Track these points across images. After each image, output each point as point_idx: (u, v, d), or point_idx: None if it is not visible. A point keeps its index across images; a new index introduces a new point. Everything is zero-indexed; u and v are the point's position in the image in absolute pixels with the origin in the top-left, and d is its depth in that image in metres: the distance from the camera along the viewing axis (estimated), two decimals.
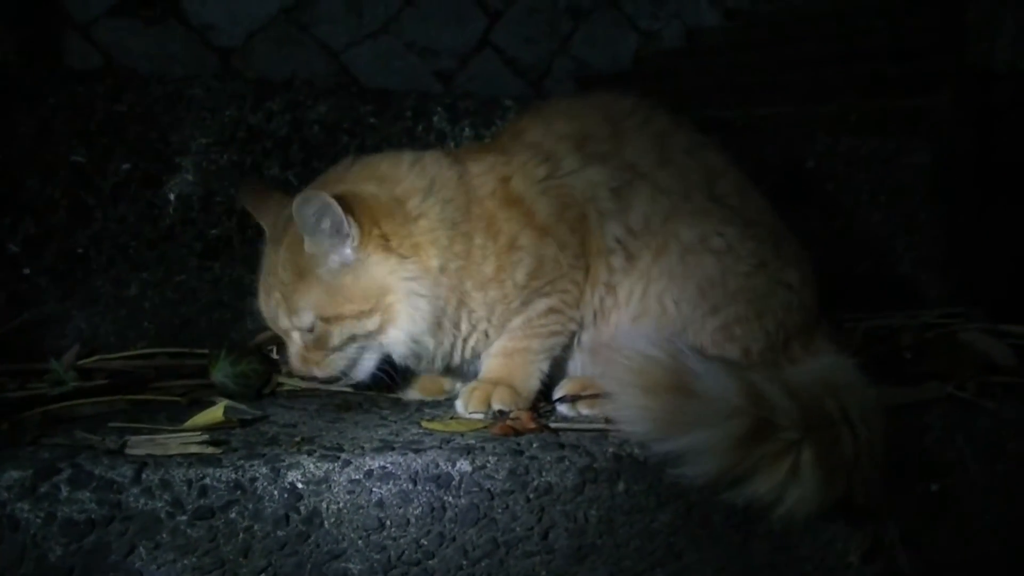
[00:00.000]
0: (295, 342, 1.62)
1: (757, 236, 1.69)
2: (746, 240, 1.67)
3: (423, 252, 1.59)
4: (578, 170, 1.67)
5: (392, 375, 1.65)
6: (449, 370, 1.73)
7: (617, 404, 1.45)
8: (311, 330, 1.59)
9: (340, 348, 1.60)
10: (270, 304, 1.63)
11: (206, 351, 1.81)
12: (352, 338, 1.59)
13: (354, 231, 1.55)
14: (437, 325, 1.62)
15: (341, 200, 1.53)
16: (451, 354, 1.68)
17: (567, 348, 1.71)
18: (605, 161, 1.68)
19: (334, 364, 1.61)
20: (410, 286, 1.59)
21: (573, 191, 1.65)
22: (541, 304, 1.65)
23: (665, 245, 1.65)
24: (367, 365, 1.63)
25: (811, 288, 1.74)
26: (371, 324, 1.59)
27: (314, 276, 1.58)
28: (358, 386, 1.69)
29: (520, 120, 1.83)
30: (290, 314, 1.59)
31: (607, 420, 1.52)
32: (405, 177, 1.64)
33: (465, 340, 1.67)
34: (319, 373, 1.62)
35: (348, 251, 1.56)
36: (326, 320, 1.58)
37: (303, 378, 1.70)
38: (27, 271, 1.98)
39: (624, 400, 1.44)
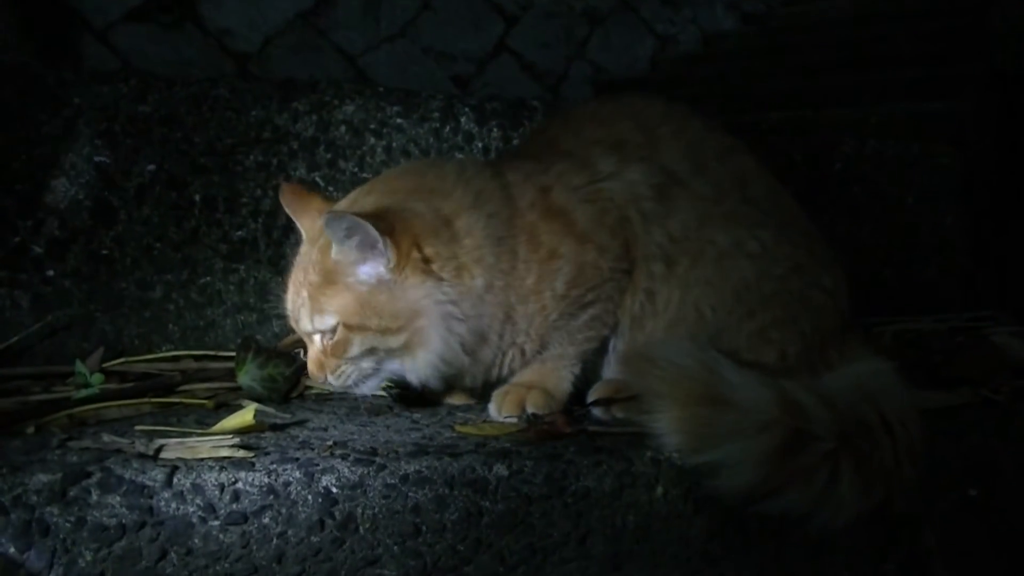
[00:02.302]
0: (315, 345, 1.59)
1: (791, 239, 1.68)
2: (781, 243, 1.65)
3: (466, 273, 1.56)
4: (616, 173, 1.64)
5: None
6: (473, 388, 1.71)
7: (652, 416, 1.42)
8: (332, 334, 1.56)
9: (356, 359, 1.56)
10: (296, 303, 1.60)
11: (232, 354, 1.79)
12: (371, 351, 1.56)
13: (390, 252, 1.52)
14: (477, 344, 1.60)
15: (382, 219, 1.50)
16: (490, 370, 1.65)
17: (600, 352, 1.69)
18: (643, 162, 1.66)
19: (346, 374, 1.58)
20: (447, 310, 1.55)
21: (613, 195, 1.63)
22: (584, 315, 1.63)
23: (701, 251, 1.63)
24: (373, 383, 1.61)
25: (844, 291, 1.73)
26: (395, 342, 1.55)
27: (343, 283, 1.55)
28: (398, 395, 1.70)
29: (549, 128, 1.81)
30: (313, 315, 1.56)
31: (642, 424, 1.50)
32: (452, 191, 1.60)
33: (504, 355, 1.64)
34: (333, 381, 1.59)
35: (382, 269, 1.53)
36: (349, 327, 1.54)
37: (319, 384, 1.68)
38: (51, 273, 1.96)
39: (659, 412, 1.41)
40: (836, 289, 1.70)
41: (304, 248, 1.64)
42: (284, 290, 1.65)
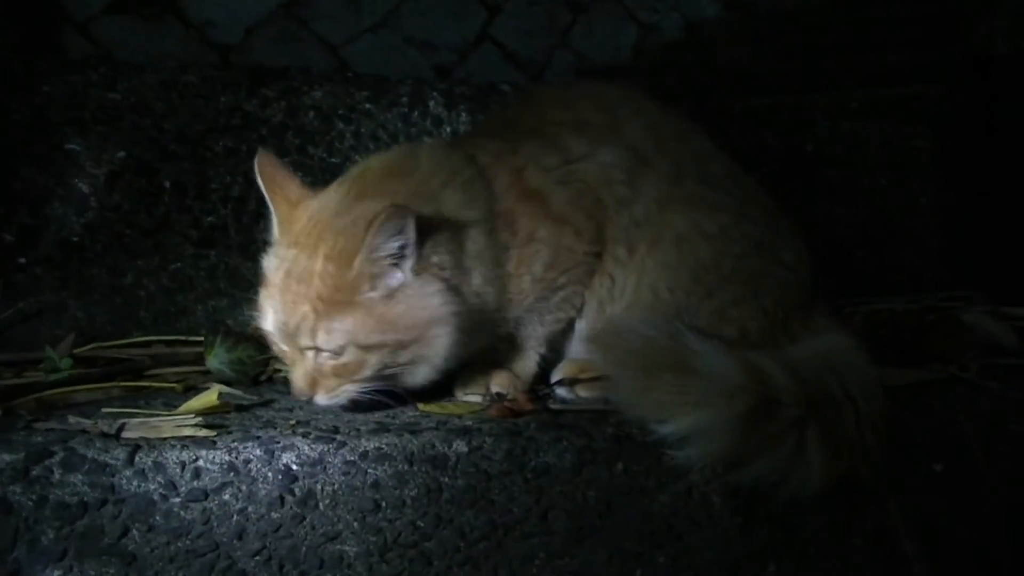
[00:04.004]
0: (307, 361, 1.48)
1: (750, 217, 1.68)
2: (739, 223, 1.66)
3: (470, 275, 1.53)
4: (589, 155, 1.64)
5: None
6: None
7: (617, 387, 1.43)
8: (337, 355, 1.46)
9: (368, 379, 1.48)
10: (293, 316, 1.46)
11: (202, 338, 1.80)
12: (383, 367, 1.47)
13: (414, 256, 1.46)
14: (475, 338, 1.56)
15: (421, 221, 1.45)
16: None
17: (565, 332, 1.69)
18: (614, 145, 1.66)
19: (347, 394, 1.49)
20: (459, 315, 1.50)
21: (587, 176, 1.63)
22: (555, 298, 1.63)
23: (660, 235, 1.64)
24: (363, 396, 1.51)
25: (806, 265, 1.74)
26: (406, 356, 1.48)
27: (362, 299, 1.45)
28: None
29: (508, 109, 1.82)
30: (317, 333, 1.45)
31: (606, 402, 1.51)
32: (444, 190, 1.55)
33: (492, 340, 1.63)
34: (324, 401, 1.49)
35: (401, 275, 1.46)
36: (365, 347, 1.45)
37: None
38: (22, 260, 1.98)
39: (625, 383, 1.42)
40: (798, 263, 1.71)
41: (293, 249, 1.49)
42: (265, 294, 1.52)
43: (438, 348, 1.49)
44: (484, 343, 1.62)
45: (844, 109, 3.17)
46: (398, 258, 1.45)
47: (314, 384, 1.47)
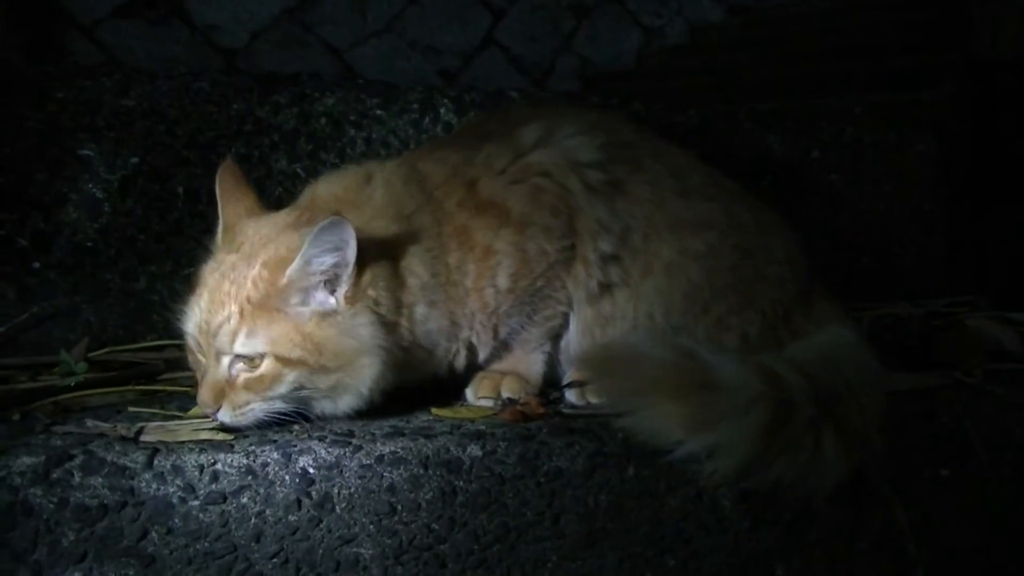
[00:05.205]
0: (220, 369, 1.42)
1: (737, 222, 1.69)
2: (727, 234, 1.67)
3: (410, 310, 1.51)
4: (543, 140, 1.62)
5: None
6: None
7: (643, 415, 1.41)
8: (251, 363, 1.41)
9: (277, 398, 1.42)
10: (218, 315, 1.42)
11: None
12: (298, 388, 1.42)
13: (349, 284, 1.43)
14: (424, 360, 1.56)
15: (366, 248, 1.43)
16: (439, 368, 1.61)
17: (564, 326, 1.69)
18: (581, 132, 1.65)
19: (252, 413, 1.42)
20: (392, 350, 1.46)
21: (544, 167, 1.61)
22: (535, 298, 1.63)
23: (650, 263, 1.64)
24: (265, 421, 1.44)
25: (800, 255, 1.75)
26: (326, 382, 1.43)
27: (288, 309, 1.42)
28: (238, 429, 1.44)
29: (482, 123, 1.82)
30: (237, 336, 1.40)
31: (616, 408, 1.52)
32: (389, 222, 1.52)
33: (455, 354, 1.61)
34: (227, 418, 1.41)
35: (336, 301, 1.44)
36: (285, 361, 1.41)
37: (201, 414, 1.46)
38: (36, 265, 1.99)
39: (650, 411, 1.41)
40: (791, 257, 1.73)
41: (231, 254, 1.48)
42: (194, 296, 1.49)
43: (364, 379, 1.45)
44: (429, 371, 1.60)
45: (848, 115, 3.18)
46: (333, 279, 1.42)
47: (220, 396, 1.41)
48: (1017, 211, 2.82)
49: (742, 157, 2.56)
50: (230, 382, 1.42)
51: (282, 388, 1.41)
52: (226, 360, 1.42)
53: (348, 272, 1.42)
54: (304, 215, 1.52)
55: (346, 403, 1.46)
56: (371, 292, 1.46)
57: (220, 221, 1.55)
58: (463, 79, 4.33)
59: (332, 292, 1.43)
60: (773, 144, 2.66)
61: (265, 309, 1.41)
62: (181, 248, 2.07)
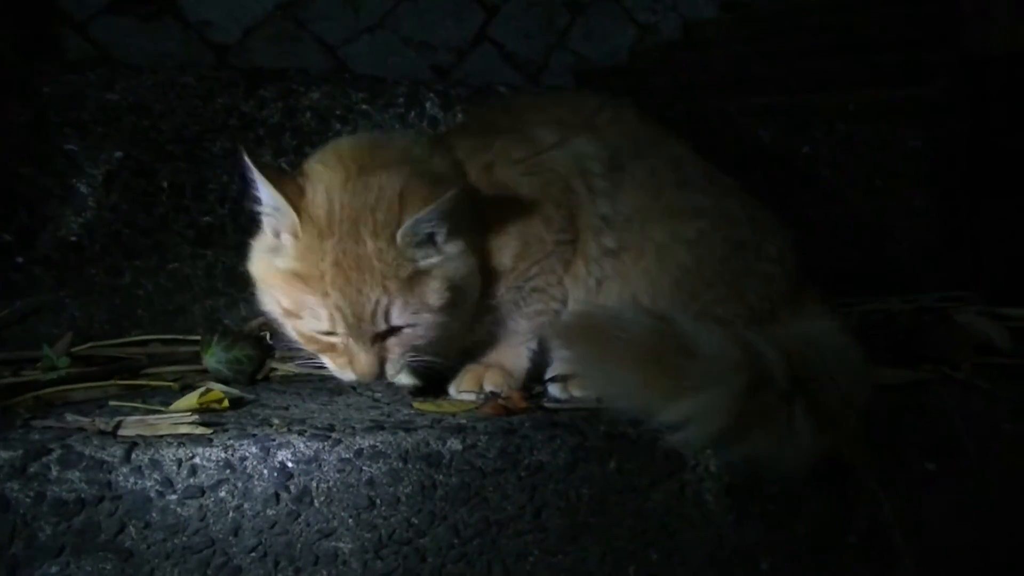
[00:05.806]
0: (372, 346, 1.49)
1: (730, 217, 1.70)
2: (720, 226, 1.68)
3: (471, 253, 1.56)
4: (561, 143, 1.66)
5: None
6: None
7: (615, 381, 1.43)
8: (412, 325, 1.49)
9: (426, 347, 1.52)
10: (366, 304, 1.45)
11: (199, 338, 1.81)
12: (443, 331, 1.52)
13: (448, 221, 1.49)
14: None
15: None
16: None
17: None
18: (590, 137, 1.67)
19: (403, 362, 1.53)
20: (476, 287, 1.57)
21: (555, 166, 1.64)
22: (528, 287, 1.64)
23: (642, 247, 1.65)
24: (414, 362, 1.55)
25: (791, 254, 1.75)
26: (462, 317, 1.56)
27: (420, 265, 1.48)
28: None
29: (488, 113, 1.83)
30: (391, 312, 1.46)
31: (599, 400, 1.52)
32: (444, 177, 1.57)
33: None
34: (392, 373, 1.52)
35: (441, 239, 1.50)
36: (435, 311, 1.50)
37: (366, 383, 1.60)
38: (20, 260, 1.98)
39: (623, 376, 1.41)
40: (782, 255, 1.72)
41: (328, 243, 1.45)
42: (308, 293, 1.46)
43: (469, 307, 1.55)
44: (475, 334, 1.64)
45: (840, 110, 3.18)
46: (439, 224, 1.48)
47: (382, 364, 1.49)
48: (1010, 206, 2.81)
49: (734, 152, 2.55)
50: (385, 349, 1.49)
51: (433, 333, 1.50)
52: (383, 332, 1.48)
53: (445, 215, 1.47)
54: (352, 166, 1.51)
55: (456, 344, 1.59)
56: (458, 222, 1.51)
57: (279, 209, 1.49)
58: (456, 75, 4.33)
59: (440, 233, 1.49)
60: (765, 139, 2.65)
61: (403, 277, 1.46)
62: (166, 243, 2.07)
